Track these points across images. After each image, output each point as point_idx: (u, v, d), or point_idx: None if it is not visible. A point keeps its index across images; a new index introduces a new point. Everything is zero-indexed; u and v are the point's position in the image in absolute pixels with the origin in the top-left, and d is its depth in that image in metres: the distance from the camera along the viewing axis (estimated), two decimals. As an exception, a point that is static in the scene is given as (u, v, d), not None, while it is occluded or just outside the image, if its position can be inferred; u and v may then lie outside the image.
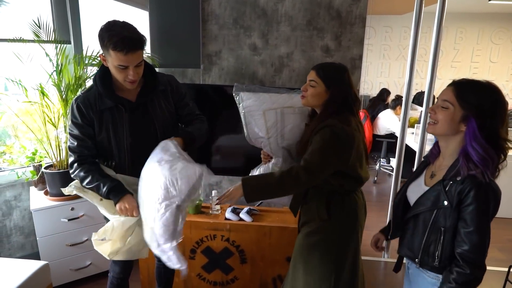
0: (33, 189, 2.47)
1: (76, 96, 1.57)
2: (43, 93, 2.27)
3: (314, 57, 2.64)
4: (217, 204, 1.69)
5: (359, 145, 1.47)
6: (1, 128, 2.82)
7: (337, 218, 1.55)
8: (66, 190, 1.57)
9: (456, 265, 1.16)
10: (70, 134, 1.56)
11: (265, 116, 1.66)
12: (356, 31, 2.59)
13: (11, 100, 2.58)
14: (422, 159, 1.47)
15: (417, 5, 2.89)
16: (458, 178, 1.14)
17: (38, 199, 2.33)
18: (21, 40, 2.25)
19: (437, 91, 1.18)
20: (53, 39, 2.33)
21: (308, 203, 1.63)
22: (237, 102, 1.71)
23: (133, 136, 1.58)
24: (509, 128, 1.20)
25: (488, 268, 1.19)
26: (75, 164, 1.54)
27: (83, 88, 1.60)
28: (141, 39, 1.42)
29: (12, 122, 2.76)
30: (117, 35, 1.36)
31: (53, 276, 2.09)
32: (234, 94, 1.71)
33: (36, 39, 2.26)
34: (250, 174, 1.74)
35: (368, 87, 6.99)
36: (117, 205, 1.50)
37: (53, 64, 2.30)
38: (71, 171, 1.57)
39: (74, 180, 1.59)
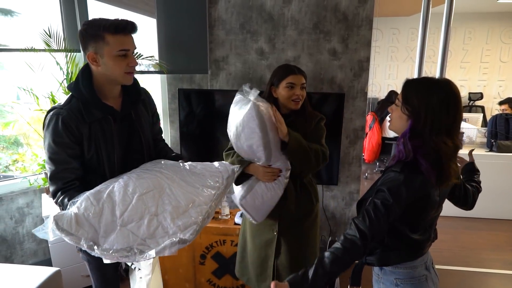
0: (45, 196, 2.50)
1: (53, 112, 1.32)
2: (53, 101, 2.30)
3: (322, 60, 2.64)
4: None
5: None
6: (14, 136, 2.87)
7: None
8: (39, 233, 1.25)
9: None
10: (50, 158, 1.32)
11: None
12: (363, 33, 2.58)
13: (23, 109, 2.63)
14: None
15: (424, 6, 2.87)
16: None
17: (50, 206, 2.35)
18: (32, 50, 2.30)
19: None
20: (63, 48, 2.37)
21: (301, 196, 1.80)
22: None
23: (122, 149, 1.45)
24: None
25: (503, 271, 1.17)
26: (59, 193, 1.33)
27: (57, 104, 1.38)
28: (134, 23, 1.34)
29: (24, 131, 2.81)
30: (111, 20, 1.29)
31: (65, 282, 2.11)
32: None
33: (46, 48, 2.30)
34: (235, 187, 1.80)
35: (376, 89, 6.96)
36: None
37: (63, 72, 2.34)
38: (53, 200, 1.36)
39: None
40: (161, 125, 2.91)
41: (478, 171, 1.49)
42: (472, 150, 1.63)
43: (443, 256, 3.16)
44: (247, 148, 1.62)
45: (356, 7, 2.54)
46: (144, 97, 1.56)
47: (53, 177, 1.32)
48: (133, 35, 1.38)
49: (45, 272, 1.93)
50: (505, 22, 6.43)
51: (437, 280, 1.34)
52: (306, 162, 1.66)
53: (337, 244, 1.16)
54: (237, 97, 1.67)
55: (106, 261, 1.38)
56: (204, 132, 2.65)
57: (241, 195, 1.69)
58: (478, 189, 1.43)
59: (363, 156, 4.91)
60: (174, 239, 1.20)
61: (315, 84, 2.66)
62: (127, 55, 1.34)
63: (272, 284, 1.13)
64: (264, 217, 1.73)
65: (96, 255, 1.19)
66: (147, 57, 2.51)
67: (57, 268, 1.99)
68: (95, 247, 1.17)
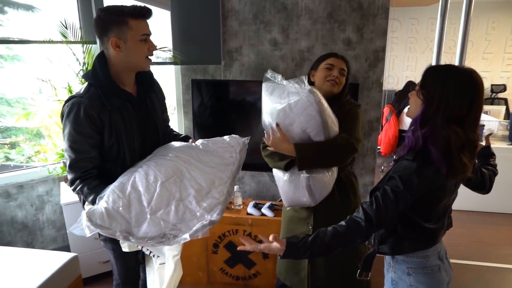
0: (63, 184, 2.57)
1: (73, 101, 1.32)
2: (70, 92, 2.36)
3: (336, 50, 2.60)
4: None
5: None
6: (36, 128, 2.96)
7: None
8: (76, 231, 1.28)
9: None
10: (70, 147, 1.32)
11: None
12: (379, 23, 2.53)
13: (44, 101, 2.70)
14: None
15: (443, -5, 2.80)
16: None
17: (68, 194, 2.42)
18: (50, 42, 2.35)
19: None
20: (80, 40, 2.42)
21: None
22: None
23: (141, 136, 1.46)
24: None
25: (509, 266, 1.15)
26: (77, 181, 1.34)
27: (76, 93, 1.38)
28: (150, 8, 1.36)
29: (46, 123, 2.90)
30: (131, 6, 1.30)
31: (82, 268, 2.18)
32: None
33: (64, 40, 2.35)
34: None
35: (393, 81, 6.82)
36: None
37: (79, 63, 2.39)
38: (71, 188, 1.37)
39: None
40: (175, 116, 2.96)
41: (494, 154, 1.47)
42: (490, 134, 1.60)
43: (459, 250, 3.10)
44: (301, 134, 1.56)
45: (372, -5, 2.49)
46: (156, 85, 1.59)
47: (72, 166, 1.34)
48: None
49: (63, 257, 1.99)
50: (531, 11, 6.18)
51: (451, 271, 1.32)
52: (326, 163, 1.61)
53: (343, 222, 1.18)
54: (268, 85, 1.59)
55: (125, 249, 1.43)
56: (217, 123, 2.66)
57: (305, 172, 1.60)
58: (494, 172, 1.41)
59: (380, 148, 4.84)
60: (204, 222, 1.25)
61: (329, 75, 2.63)
62: (147, 40, 1.36)
63: (271, 236, 1.17)
64: (322, 199, 1.66)
65: (131, 244, 1.24)
66: (161, 48, 2.53)
67: (75, 254, 2.05)
68: (130, 237, 1.22)
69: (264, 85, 1.60)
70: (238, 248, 1.26)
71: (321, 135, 1.53)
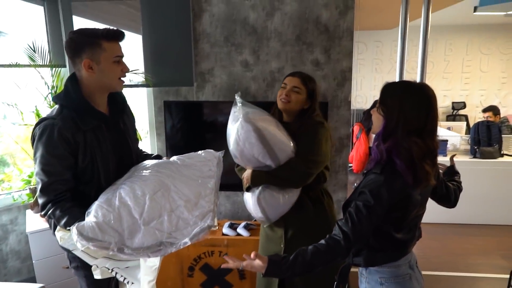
0: (29, 212, 2.46)
1: (46, 123, 1.29)
2: (38, 116, 2.30)
3: (305, 71, 2.64)
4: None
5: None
6: (0, 156, 2.84)
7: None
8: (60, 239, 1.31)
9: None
10: (43, 170, 1.28)
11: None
12: (344, 44, 2.65)
13: (9, 127, 2.61)
14: None
15: (402, 20, 2.99)
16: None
17: (34, 222, 2.32)
18: (17, 65, 2.31)
19: None
20: (48, 63, 2.38)
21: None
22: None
23: (116, 157, 1.45)
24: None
25: (491, 275, 1.21)
26: (49, 205, 1.29)
27: (47, 115, 1.35)
28: (123, 31, 1.40)
29: (11, 150, 2.79)
30: (104, 29, 1.33)
31: (49, 300, 2.06)
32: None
33: (31, 63, 2.31)
34: None
35: (362, 100, 7.07)
36: None
37: (48, 86, 2.35)
38: (42, 213, 1.32)
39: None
40: (148, 139, 2.93)
41: (458, 173, 1.56)
42: (454, 155, 1.70)
43: (432, 262, 3.18)
44: (255, 160, 1.61)
45: (337, 19, 2.62)
46: (127, 107, 1.59)
47: (44, 189, 1.29)
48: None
49: (29, 288, 1.89)
50: (483, 34, 6.65)
51: (422, 279, 1.36)
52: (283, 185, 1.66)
53: (323, 241, 1.20)
54: (232, 111, 1.67)
55: (97, 276, 1.38)
56: (191, 144, 2.66)
57: (259, 190, 1.65)
58: (459, 188, 1.49)
59: (352, 166, 4.96)
60: (203, 225, 1.25)
61: (300, 94, 2.71)
62: (120, 62, 1.38)
63: (253, 254, 1.18)
64: (277, 218, 1.69)
65: (124, 256, 1.20)
66: (133, 71, 2.53)
67: (41, 285, 1.95)
68: (125, 249, 1.19)
69: (231, 110, 1.68)
70: (222, 266, 1.25)
71: (268, 160, 1.58)
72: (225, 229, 2.36)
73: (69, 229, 1.25)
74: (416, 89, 1.20)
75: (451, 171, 1.56)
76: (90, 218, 1.22)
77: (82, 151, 1.33)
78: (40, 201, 1.31)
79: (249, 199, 1.70)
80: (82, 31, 1.34)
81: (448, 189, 1.43)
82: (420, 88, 1.20)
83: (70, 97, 1.35)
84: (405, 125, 1.16)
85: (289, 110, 1.72)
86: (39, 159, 1.29)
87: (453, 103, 7.02)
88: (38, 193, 1.32)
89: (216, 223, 1.38)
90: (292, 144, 1.61)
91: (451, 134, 4.55)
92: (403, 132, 1.16)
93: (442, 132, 4.76)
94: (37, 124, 1.32)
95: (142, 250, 1.20)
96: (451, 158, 1.64)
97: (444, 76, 6.96)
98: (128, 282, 1.46)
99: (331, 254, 1.18)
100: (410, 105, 1.17)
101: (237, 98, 1.67)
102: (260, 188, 1.66)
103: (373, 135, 1.31)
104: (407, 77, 2.86)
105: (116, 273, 1.41)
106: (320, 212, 1.74)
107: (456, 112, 7.02)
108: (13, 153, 2.82)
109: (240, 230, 2.35)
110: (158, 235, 1.23)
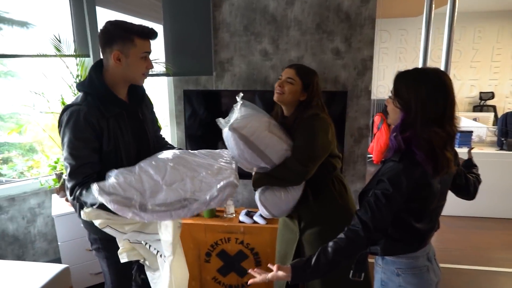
0: (55, 196, 2.57)
1: (72, 109, 1.34)
2: (63, 104, 2.38)
3: (325, 60, 2.66)
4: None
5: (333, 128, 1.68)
6: (29, 144, 2.97)
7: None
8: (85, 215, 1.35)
9: None
10: (71, 154, 1.32)
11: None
12: (366, 33, 2.59)
13: (38, 115, 2.72)
14: None
15: (427, 7, 2.89)
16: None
17: (60, 206, 2.42)
18: (44, 56, 2.38)
19: (457, 92, 1.19)
20: (73, 53, 2.45)
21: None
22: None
23: (136, 143, 1.49)
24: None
25: (501, 269, 1.18)
26: (77, 187, 1.33)
27: (72, 101, 1.40)
28: (156, 32, 1.44)
29: (39, 138, 2.91)
30: (140, 26, 1.38)
31: (73, 280, 2.17)
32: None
33: (57, 53, 2.38)
34: None
35: (384, 90, 6.91)
36: None
37: (73, 76, 2.42)
38: (71, 197, 1.36)
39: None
40: (168, 127, 2.99)
41: (476, 166, 1.52)
42: (472, 148, 1.65)
43: (453, 255, 3.12)
44: (249, 165, 1.65)
45: (359, 6, 2.56)
46: (146, 97, 1.63)
47: (73, 172, 1.33)
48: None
49: (54, 269, 1.98)
50: (516, 20, 6.34)
51: (439, 272, 1.34)
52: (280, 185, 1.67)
53: (342, 235, 1.19)
54: (229, 114, 1.69)
55: (123, 260, 1.44)
56: (209, 133, 2.69)
57: (260, 190, 1.68)
58: (478, 180, 1.45)
59: (372, 157, 4.88)
60: (228, 180, 1.26)
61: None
62: (147, 58, 1.42)
63: (275, 267, 1.18)
64: (284, 214, 1.72)
65: (146, 216, 1.19)
66: (153, 60, 2.57)
67: (66, 265, 2.05)
68: (148, 205, 1.17)
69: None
70: (248, 283, 1.24)
71: (261, 162, 1.59)
72: (242, 217, 2.39)
73: (95, 207, 1.30)
74: (430, 76, 1.16)
75: (469, 164, 1.51)
76: (111, 180, 1.23)
77: (106, 137, 1.38)
78: (69, 184, 1.35)
79: (256, 199, 1.72)
80: (119, 23, 1.38)
81: (467, 180, 1.40)
82: (434, 74, 1.16)
83: (94, 85, 1.39)
84: (423, 116, 1.13)
85: (284, 102, 1.69)
86: (66, 144, 1.33)
87: (480, 93, 6.76)
88: (67, 177, 1.37)
89: (238, 182, 1.35)
90: (285, 144, 1.60)
91: (478, 125, 4.39)
92: (422, 123, 1.13)
93: (468, 122, 4.61)
94: (63, 111, 1.37)
95: (165, 206, 1.17)
96: (469, 151, 1.59)
97: (472, 66, 6.69)
98: (161, 255, 1.46)
99: (353, 247, 1.17)
100: (426, 94, 1.13)
101: (238, 99, 1.67)
102: (261, 188, 1.68)
103: (387, 122, 1.29)
104: (432, 66, 2.78)
105: (149, 246, 1.45)
106: (330, 202, 1.71)
107: (483, 103, 6.77)
108: (42, 140, 2.94)
109: (257, 218, 2.37)
110: (182, 193, 1.21)
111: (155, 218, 1.21)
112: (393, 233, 1.24)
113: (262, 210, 1.70)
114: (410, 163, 1.15)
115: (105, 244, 1.53)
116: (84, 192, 1.31)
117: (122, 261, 1.45)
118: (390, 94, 1.25)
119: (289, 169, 1.58)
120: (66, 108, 1.37)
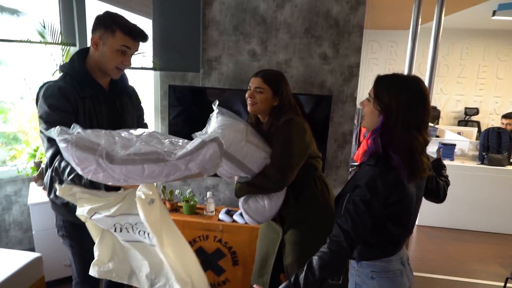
0: (33, 184, 2.53)
1: (49, 84, 1.37)
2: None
3: (312, 64, 2.69)
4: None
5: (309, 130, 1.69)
6: (13, 133, 2.92)
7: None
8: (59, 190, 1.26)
9: None
10: (46, 123, 1.31)
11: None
12: (353, 40, 2.63)
13: (23, 106, 2.68)
14: None
15: (413, 21, 2.96)
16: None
17: (37, 195, 2.38)
18: (27, 41, 2.35)
19: (443, 106, 1.22)
20: (59, 42, 2.43)
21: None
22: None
23: (111, 129, 1.42)
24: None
25: (487, 282, 1.20)
26: (57, 157, 1.29)
27: (51, 80, 1.44)
28: (146, 35, 1.46)
29: (24, 128, 2.87)
30: (128, 23, 1.41)
31: (46, 270, 2.13)
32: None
33: (42, 40, 2.36)
34: None
35: (372, 100, 7.01)
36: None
37: (57, 64, 2.39)
38: (50, 169, 1.34)
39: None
40: (153, 122, 2.97)
41: (444, 166, 1.55)
42: (440, 147, 1.68)
43: (429, 265, 3.16)
44: (229, 175, 1.65)
45: (348, 14, 2.60)
46: (131, 90, 1.63)
47: (50, 140, 1.29)
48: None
49: (26, 256, 1.95)
50: (502, 40, 6.51)
51: (412, 276, 1.36)
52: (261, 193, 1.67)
53: (324, 248, 1.17)
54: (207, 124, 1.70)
55: (92, 273, 1.35)
56: (194, 130, 2.67)
57: (243, 199, 1.69)
58: (447, 183, 1.48)
59: (357, 164, 4.93)
60: (211, 136, 1.15)
61: (305, 88, 2.71)
62: (126, 53, 1.42)
63: None
64: (268, 219, 1.72)
65: (112, 168, 1.07)
66: (139, 53, 2.56)
67: (39, 254, 2.01)
68: (116, 155, 1.03)
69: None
70: None
71: (241, 172, 1.60)
72: (222, 215, 2.39)
73: (69, 184, 1.24)
74: (411, 83, 1.18)
75: (439, 164, 1.54)
76: (77, 128, 1.15)
77: (82, 116, 1.39)
78: (48, 154, 1.33)
79: (240, 207, 1.73)
80: (112, 14, 1.41)
81: (438, 184, 1.43)
82: (416, 83, 1.18)
83: (73, 66, 1.43)
84: (404, 121, 1.15)
85: (259, 111, 1.70)
86: (43, 116, 1.33)
87: (466, 108, 6.90)
88: (45, 149, 1.34)
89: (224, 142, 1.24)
90: (264, 152, 1.61)
91: (460, 139, 4.48)
92: (402, 128, 1.15)
93: (452, 136, 4.70)
94: (40, 87, 1.40)
95: (137, 156, 1.03)
96: (438, 151, 1.63)
97: (459, 81, 6.84)
98: (145, 234, 1.28)
99: (338, 260, 1.15)
100: (408, 100, 1.15)
101: (214, 108, 1.67)
102: (244, 197, 1.69)
103: (362, 125, 1.30)
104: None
105: (143, 232, 1.26)
106: (312, 201, 1.72)
107: (468, 118, 6.91)
108: (27, 131, 2.89)
109: (236, 217, 2.37)
110: (158, 147, 1.10)
111: (123, 172, 1.07)
112: (369, 239, 1.25)
113: (246, 218, 1.70)
114: (385, 168, 1.16)
115: (69, 230, 1.49)
116: (62, 163, 1.27)
117: (90, 273, 1.35)
118: (367, 96, 1.26)
119: (268, 177, 1.59)
120: (43, 84, 1.40)
